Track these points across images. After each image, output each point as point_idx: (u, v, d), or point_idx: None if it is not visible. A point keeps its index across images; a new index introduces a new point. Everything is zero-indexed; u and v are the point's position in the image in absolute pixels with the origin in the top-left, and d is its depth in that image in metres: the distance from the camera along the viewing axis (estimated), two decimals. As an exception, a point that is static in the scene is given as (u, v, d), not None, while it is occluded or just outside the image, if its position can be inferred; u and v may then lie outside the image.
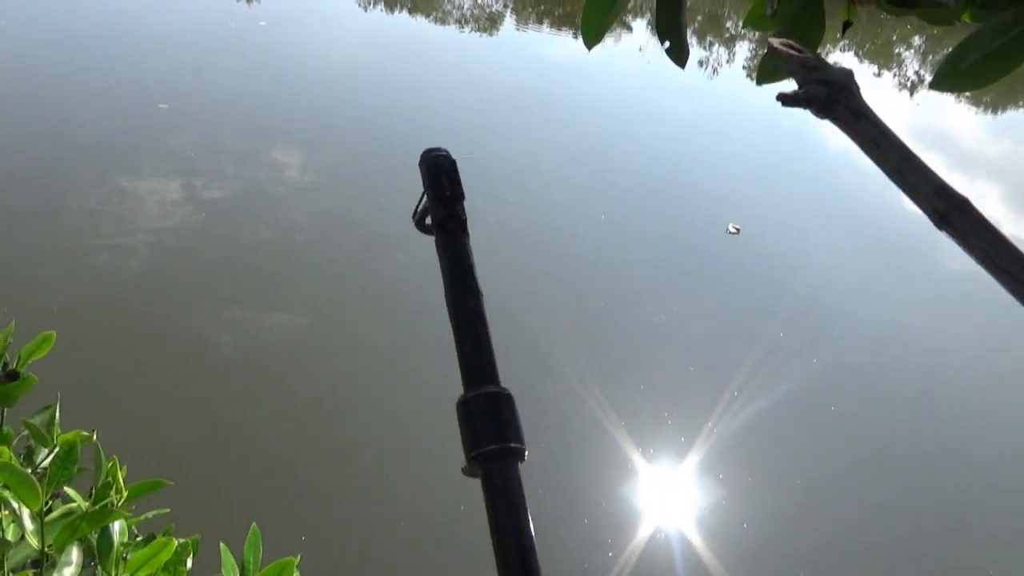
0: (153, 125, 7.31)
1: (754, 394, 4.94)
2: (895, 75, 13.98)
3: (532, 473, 4.13)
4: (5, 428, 1.36)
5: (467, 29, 12.88)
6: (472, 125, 8.61)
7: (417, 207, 0.73)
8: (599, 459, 4.36)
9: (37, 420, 1.35)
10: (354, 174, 7.11)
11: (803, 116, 9.82)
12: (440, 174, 0.72)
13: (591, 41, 0.81)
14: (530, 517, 0.60)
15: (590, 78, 10.99)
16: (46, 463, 1.34)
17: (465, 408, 0.64)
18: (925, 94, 13.07)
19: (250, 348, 4.70)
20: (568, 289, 5.84)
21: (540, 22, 13.84)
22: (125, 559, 1.15)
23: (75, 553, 1.18)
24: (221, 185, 6.51)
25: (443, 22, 13.15)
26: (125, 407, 4.05)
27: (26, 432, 1.37)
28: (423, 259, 5.86)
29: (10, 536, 1.12)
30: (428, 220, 0.73)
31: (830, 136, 10.07)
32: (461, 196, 0.71)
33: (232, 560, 1.32)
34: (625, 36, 13.50)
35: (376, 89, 9.30)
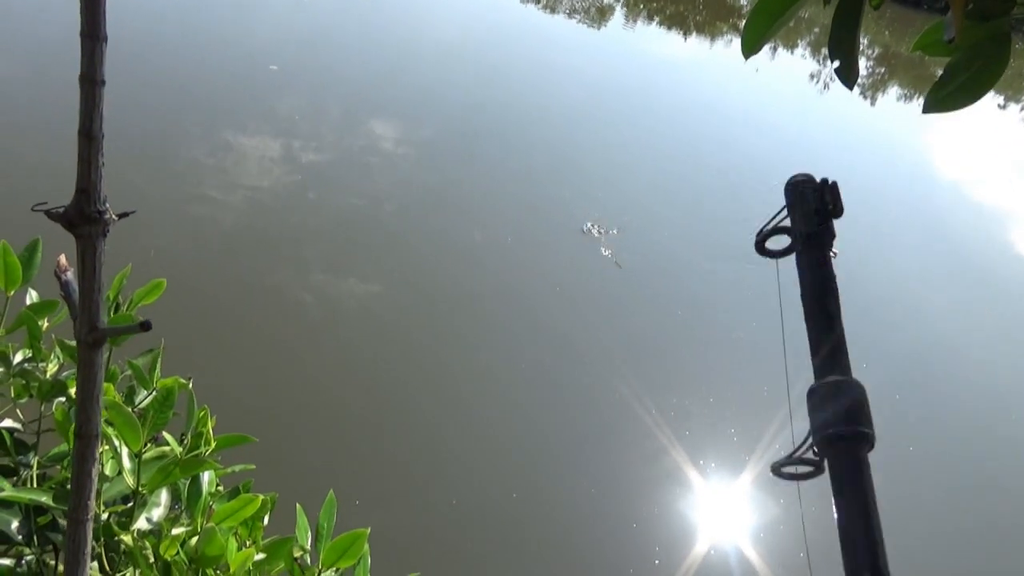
0: (262, 85, 7.54)
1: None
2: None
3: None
4: (111, 367, 1.42)
5: (575, 19, 12.78)
6: (569, 118, 8.55)
7: (763, 227, 0.76)
8: (656, 462, 4.30)
9: (141, 362, 1.40)
10: (446, 151, 7.17)
11: (913, 141, 9.35)
12: (821, 190, 0.75)
13: (750, 50, 0.77)
14: (876, 503, 0.61)
15: (694, 90, 10.75)
16: (144, 404, 1.39)
17: (816, 394, 0.67)
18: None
19: (333, 311, 4.81)
20: (649, 294, 5.74)
21: (650, 18, 13.62)
22: (212, 509, 1.18)
23: (164, 496, 1.22)
24: (319, 149, 6.67)
25: (552, 10, 13.08)
26: (212, 358, 4.20)
27: (128, 372, 1.43)
28: (498, 239, 5.87)
29: (108, 471, 1.16)
30: (772, 244, 0.76)
31: (939, 163, 9.59)
32: (840, 212, 0.74)
33: (306, 523, 1.35)
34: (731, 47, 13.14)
35: (476, 70, 9.35)
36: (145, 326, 0.70)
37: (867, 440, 0.64)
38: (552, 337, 5.02)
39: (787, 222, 0.76)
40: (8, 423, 1.37)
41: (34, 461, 1.33)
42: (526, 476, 4.03)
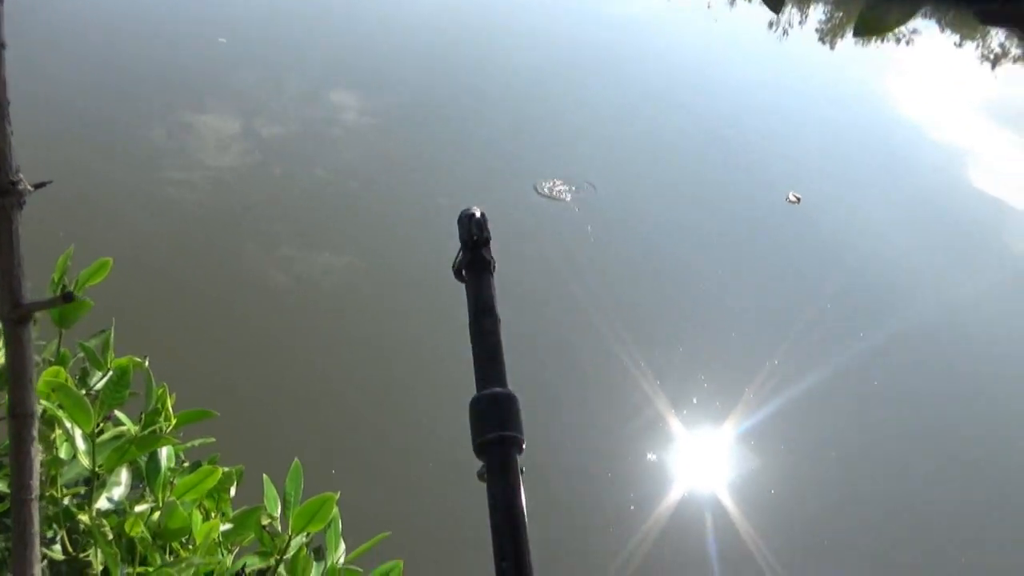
0: (215, 60, 7.37)
1: (794, 364, 4.85)
2: (978, 46, 13.23)
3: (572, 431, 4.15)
4: (62, 350, 1.39)
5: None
6: (529, 80, 8.46)
7: (455, 260, 0.88)
8: (633, 412, 4.35)
9: (93, 344, 1.38)
10: (409, 119, 7.07)
11: (873, 86, 9.38)
12: (470, 223, 0.87)
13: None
14: (524, 501, 0.69)
15: (652, 36, 10.68)
16: (99, 386, 1.37)
17: (474, 406, 0.75)
18: (1009, 67, 12.37)
19: (299, 284, 4.78)
20: (618, 251, 5.75)
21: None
22: (172, 484, 1.17)
23: (124, 474, 1.21)
24: (280, 123, 6.55)
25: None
26: (176, 337, 4.16)
27: (82, 355, 1.41)
28: (464, 204, 5.83)
29: (63, 454, 1.15)
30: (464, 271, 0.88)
31: (901, 106, 9.65)
32: (486, 240, 0.86)
33: (274, 492, 1.35)
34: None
35: (434, 36, 9.19)
36: (67, 297, 0.69)
37: (515, 443, 0.73)
38: (523, 296, 5.03)
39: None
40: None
41: (-10, 450, 1.31)
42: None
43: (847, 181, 7.41)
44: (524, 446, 0.73)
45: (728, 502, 3.96)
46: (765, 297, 5.54)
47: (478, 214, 0.89)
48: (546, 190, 6.13)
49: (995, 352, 5.55)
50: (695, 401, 4.50)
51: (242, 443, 3.20)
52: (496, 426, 0.73)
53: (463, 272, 0.87)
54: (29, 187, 0.71)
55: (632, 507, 3.86)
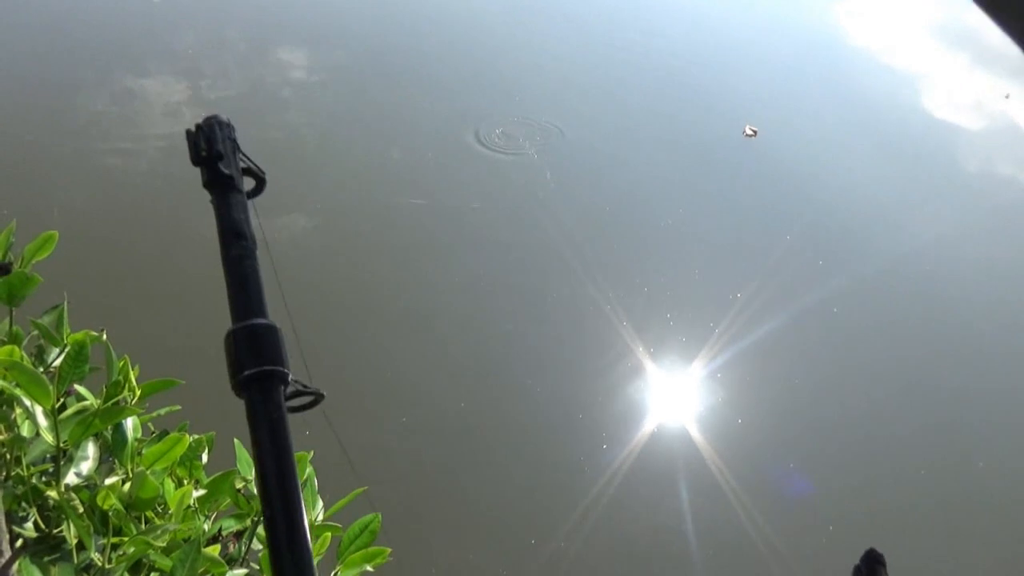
0: (151, 21, 7.08)
1: (759, 299, 4.94)
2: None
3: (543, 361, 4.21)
4: (15, 328, 1.36)
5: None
6: (478, 25, 8.28)
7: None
8: (601, 353, 4.42)
9: (46, 320, 1.35)
10: (361, 74, 6.90)
11: (824, 15, 9.38)
12: (197, 136, 0.76)
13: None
14: (292, 443, 0.63)
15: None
16: (57, 362, 1.35)
17: (230, 340, 0.69)
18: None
19: (264, 248, 4.70)
20: (574, 189, 5.74)
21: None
22: (140, 454, 1.17)
23: (91, 448, 1.20)
24: (227, 86, 6.36)
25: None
26: (134, 308, 4.09)
27: (36, 332, 1.38)
28: (423, 157, 5.77)
29: (25, 432, 1.14)
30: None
31: (852, 34, 9.67)
32: (219, 155, 0.76)
33: (246, 454, 1.35)
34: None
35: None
36: (3, 269, 0.67)
37: (280, 378, 0.67)
38: (489, 243, 5.03)
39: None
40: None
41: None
42: (476, 383, 4.12)
43: (802, 112, 7.45)
44: (291, 380, 0.67)
45: (696, 433, 4.08)
46: (724, 233, 5.60)
47: (206, 126, 0.77)
48: (497, 136, 6.07)
49: (957, 277, 5.71)
50: (662, 339, 4.59)
51: (211, 409, 3.19)
52: (255, 360, 0.66)
53: (210, 191, 0.78)
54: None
55: (604, 445, 3.95)
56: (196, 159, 0.76)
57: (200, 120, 0.78)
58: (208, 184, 0.77)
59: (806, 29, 9.64)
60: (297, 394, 0.69)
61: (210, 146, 0.76)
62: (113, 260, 4.36)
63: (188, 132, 0.77)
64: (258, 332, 0.69)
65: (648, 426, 4.08)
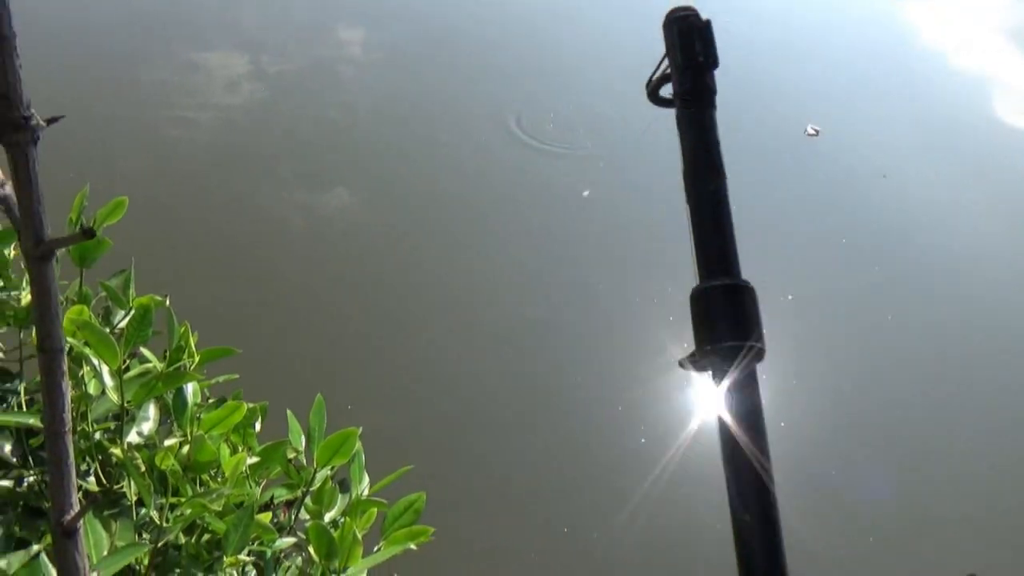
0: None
1: (810, 302, 4.85)
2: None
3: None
4: (84, 289, 1.41)
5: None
6: (544, 9, 8.22)
7: (652, 75, 0.65)
8: (645, 346, 4.39)
9: (113, 283, 1.39)
10: (417, 53, 6.92)
11: (894, 13, 9.04)
12: (691, 37, 0.62)
13: None
14: (765, 421, 0.56)
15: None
16: (122, 324, 1.39)
17: (702, 300, 0.59)
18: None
19: (314, 222, 4.78)
20: (624, 179, 5.69)
21: None
22: (199, 419, 1.20)
23: (152, 410, 1.24)
24: (287, 61, 6.44)
25: None
26: (194, 277, 4.20)
27: (103, 294, 1.42)
28: (479, 138, 5.77)
29: (92, 390, 1.17)
30: (664, 90, 0.65)
31: (920, 34, 9.34)
32: (715, 63, 0.63)
33: (298, 426, 1.38)
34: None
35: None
36: (88, 233, 0.69)
37: (758, 353, 0.58)
38: (538, 235, 5.02)
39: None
40: (-11, 353, 1.37)
41: (20, 387, 1.34)
42: (514, 367, 4.13)
43: (867, 112, 7.23)
44: (764, 354, 0.58)
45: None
46: (778, 233, 5.49)
47: (703, 22, 0.63)
48: (551, 124, 6.03)
49: (1014, 283, 5.52)
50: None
51: (263, 380, 3.26)
52: (732, 330, 0.57)
53: (675, 102, 0.63)
54: (42, 122, 0.70)
55: (642, 440, 3.93)
56: (684, 63, 0.61)
57: (676, 9, 0.63)
58: (687, 93, 0.62)
59: (872, 25, 9.33)
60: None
61: (708, 50, 0.62)
62: (172, 228, 4.47)
63: (672, 24, 0.62)
64: (736, 294, 0.58)
65: (689, 422, 4.04)
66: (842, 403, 4.35)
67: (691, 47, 0.62)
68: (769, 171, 6.11)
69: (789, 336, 4.58)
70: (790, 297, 4.83)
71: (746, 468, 0.54)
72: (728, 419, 0.56)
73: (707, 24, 0.63)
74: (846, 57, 8.29)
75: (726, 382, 0.57)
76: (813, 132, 6.33)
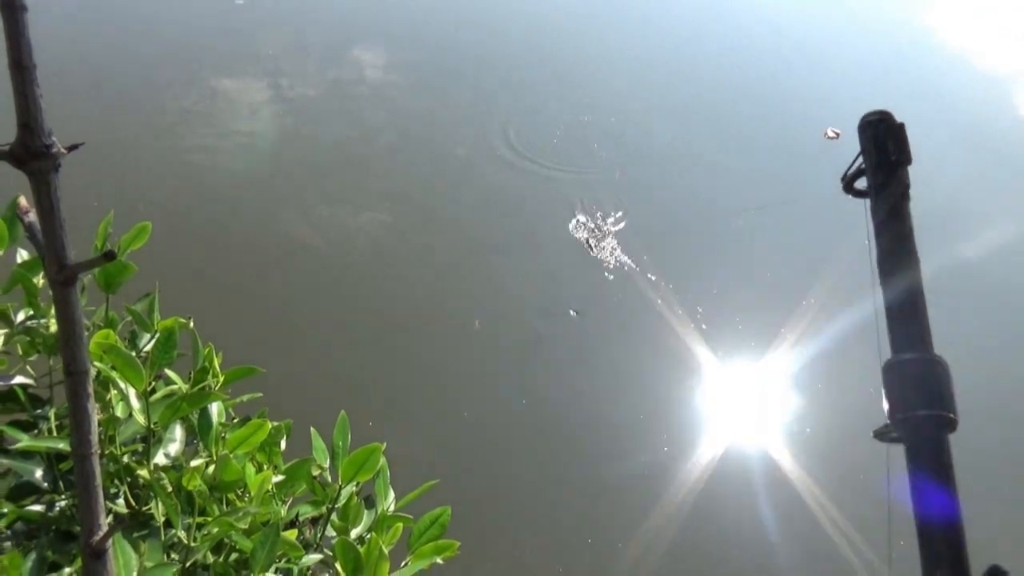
0: (235, 23, 7.32)
1: (827, 304, 4.80)
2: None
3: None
4: (110, 313, 1.43)
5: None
6: (555, 29, 8.26)
7: (848, 171, 0.73)
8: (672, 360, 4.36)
9: (139, 307, 1.41)
10: (434, 74, 6.98)
11: (913, 14, 8.96)
12: (886, 137, 0.69)
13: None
14: (957, 490, 0.58)
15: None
16: (148, 347, 1.41)
17: (895, 370, 0.64)
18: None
19: (334, 242, 4.82)
20: (647, 186, 5.68)
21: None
22: (224, 438, 1.21)
23: (178, 431, 1.25)
24: (306, 85, 6.52)
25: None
26: (217, 299, 4.25)
27: (129, 318, 1.44)
28: (498, 158, 5.79)
29: (119, 413, 1.19)
30: (859, 184, 0.73)
31: (942, 36, 9.23)
32: (908, 161, 0.69)
33: (322, 444, 1.38)
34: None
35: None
36: (109, 256, 0.70)
37: (949, 424, 0.61)
38: (553, 239, 5.03)
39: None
40: (20, 379, 1.39)
41: (51, 413, 1.36)
42: (536, 382, 4.13)
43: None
44: (957, 425, 0.60)
45: (762, 439, 3.98)
46: (797, 236, 5.44)
47: (897, 123, 0.69)
48: (570, 135, 6.04)
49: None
50: (734, 332, 4.52)
51: (286, 399, 3.28)
52: (926, 401, 0.61)
53: (870, 195, 0.69)
54: (63, 150, 0.71)
55: (665, 448, 3.88)
56: (879, 161, 0.69)
57: (873, 113, 0.71)
58: (881, 187, 0.68)
59: (895, 28, 9.26)
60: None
61: (901, 148, 0.68)
62: (196, 252, 4.53)
63: (867, 126, 0.70)
64: (929, 368, 0.63)
65: (712, 431, 4.00)
66: (867, 402, 4.29)
67: (885, 147, 0.69)
68: (789, 170, 6.07)
69: (805, 338, 4.54)
70: (811, 301, 4.79)
71: (938, 528, 0.57)
72: (920, 485, 0.59)
73: (901, 126, 0.70)
74: (867, 60, 8.22)
75: (923, 453, 0.61)
76: (833, 135, 6.27)
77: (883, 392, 0.64)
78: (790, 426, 4.12)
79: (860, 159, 0.72)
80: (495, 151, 5.87)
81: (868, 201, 0.70)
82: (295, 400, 3.46)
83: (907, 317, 0.65)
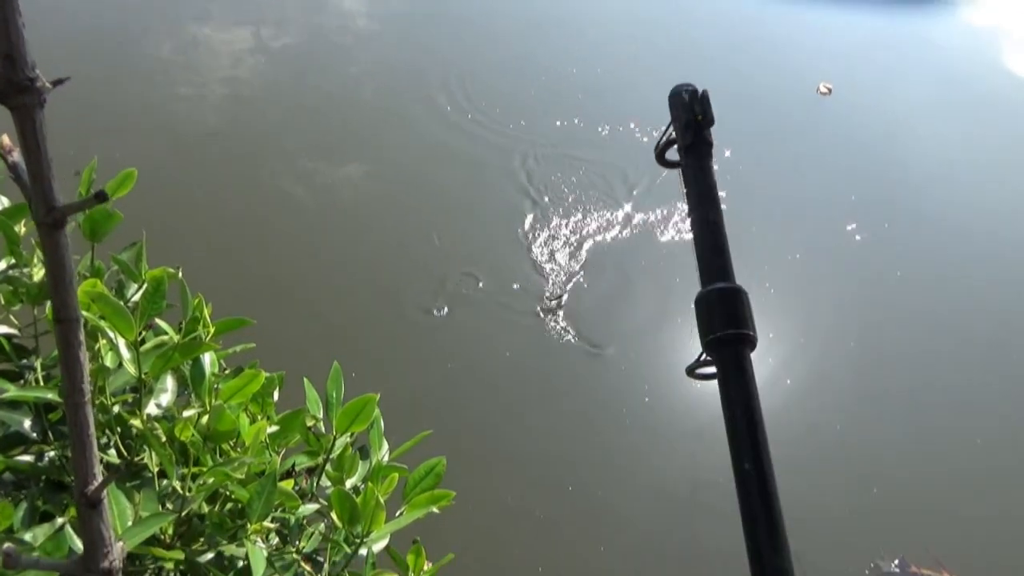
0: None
1: (813, 256, 4.83)
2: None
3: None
4: (96, 263, 1.40)
5: None
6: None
7: (660, 141, 0.82)
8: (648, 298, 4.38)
9: (125, 256, 1.38)
10: (418, 23, 6.82)
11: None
12: (691, 102, 0.79)
13: None
14: (759, 400, 0.68)
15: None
16: (136, 298, 1.38)
17: (702, 302, 0.74)
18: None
19: (320, 194, 4.77)
20: (636, 141, 5.63)
21: None
22: (217, 389, 1.19)
23: (170, 381, 1.23)
24: (290, 35, 6.36)
25: None
26: (202, 251, 4.20)
27: (115, 268, 1.41)
28: (481, 107, 5.71)
29: (109, 363, 1.17)
30: (669, 154, 0.83)
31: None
32: (711, 122, 0.79)
33: (315, 394, 1.37)
34: None
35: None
36: (100, 196, 0.67)
37: (749, 341, 0.72)
38: (545, 192, 4.99)
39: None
40: (4, 329, 1.36)
41: (37, 364, 1.34)
42: (523, 330, 4.14)
43: (878, 68, 7.11)
44: (756, 343, 0.71)
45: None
46: (794, 190, 5.44)
47: (700, 91, 0.80)
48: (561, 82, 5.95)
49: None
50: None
51: (276, 351, 3.27)
52: (726, 323, 0.71)
53: (680, 155, 0.80)
54: (48, 84, 0.68)
55: (646, 399, 3.92)
56: (691, 121, 0.79)
57: (680, 85, 0.82)
58: (689, 147, 0.79)
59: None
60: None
61: (705, 111, 0.79)
62: (179, 203, 4.45)
63: (675, 96, 0.81)
64: (728, 295, 0.73)
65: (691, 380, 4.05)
66: (849, 361, 4.35)
67: (691, 110, 0.79)
68: (780, 127, 6.03)
69: (793, 295, 4.58)
70: (797, 256, 4.82)
71: (743, 427, 0.67)
72: (728, 393, 0.70)
73: (705, 92, 0.80)
74: (857, 16, 8.14)
75: (727, 365, 0.71)
76: (825, 90, 6.23)
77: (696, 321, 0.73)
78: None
79: (671, 129, 0.82)
80: (478, 101, 5.78)
81: (680, 170, 0.81)
82: (283, 352, 3.44)
83: (713, 254, 0.75)
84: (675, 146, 0.82)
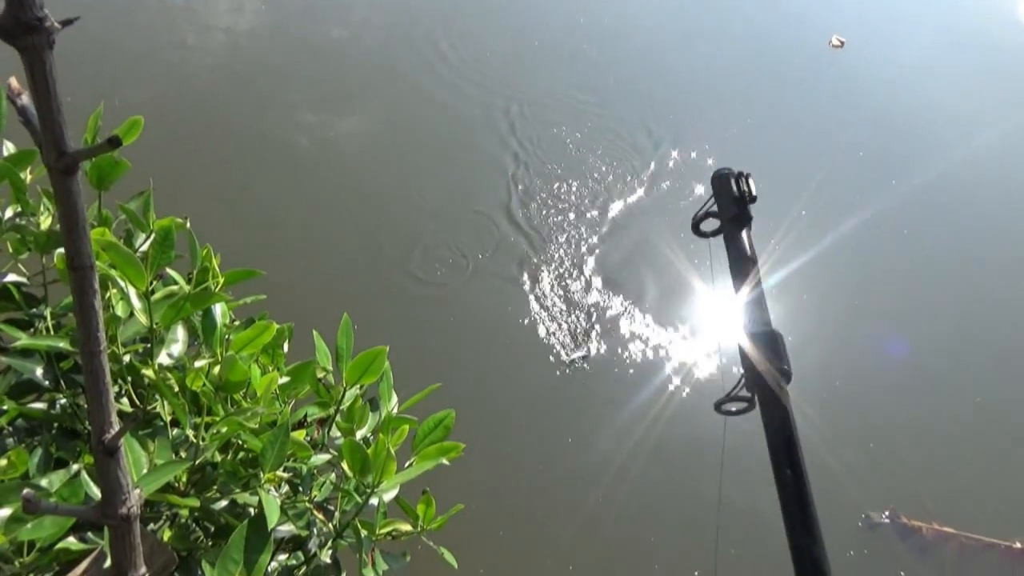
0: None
1: (822, 216, 4.79)
2: None
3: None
4: (104, 211, 1.38)
5: None
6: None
7: (697, 214, 0.98)
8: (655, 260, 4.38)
9: (133, 205, 1.36)
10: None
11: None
12: (737, 182, 0.97)
13: None
14: (796, 427, 0.84)
15: None
16: (144, 247, 1.37)
17: (748, 343, 0.89)
18: None
19: (322, 144, 4.72)
20: (648, 94, 5.55)
21: None
22: (228, 340, 1.19)
23: (181, 331, 1.23)
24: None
25: None
26: (207, 202, 4.17)
27: (122, 217, 1.39)
28: (482, 60, 5.61)
29: (120, 312, 1.16)
30: (704, 226, 1.00)
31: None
32: (754, 199, 0.96)
33: (325, 347, 1.37)
34: None
35: None
36: (113, 142, 0.65)
37: (785, 373, 0.87)
38: (541, 148, 4.94)
39: (715, 208, 0.99)
40: (13, 277, 1.35)
41: (47, 312, 1.33)
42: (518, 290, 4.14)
43: (892, 20, 6.96)
44: (791, 376, 0.86)
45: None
46: (803, 142, 5.38)
47: (745, 172, 0.96)
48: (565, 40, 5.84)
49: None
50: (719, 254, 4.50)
51: (282, 303, 3.27)
52: (768, 359, 0.86)
53: (723, 223, 0.96)
54: (57, 24, 0.66)
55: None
56: (739, 199, 0.95)
57: (722, 169, 1.01)
58: (734, 219, 0.96)
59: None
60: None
61: (750, 190, 0.96)
62: (183, 154, 4.40)
63: (721, 176, 0.98)
64: (769, 337, 0.89)
65: (694, 341, 4.06)
66: (849, 314, 4.35)
67: (737, 187, 0.97)
68: (790, 78, 5.93)
69: (796, 250, 4.56)
70: (803, 212, 4.79)
71: (782, 447, 0.84)
72: (769, 419, 0.86)
73: (748, 175, 0.97)
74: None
75: (768, 396, 0.89)
76: (838, 43, 6.10)
77: (740, 357, 0.90)
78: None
79: (711, 203, 0.98)
80: (476, 53, 5.67)
81: (710, 240, 1.00)
82: (289, 303, 3.45)
83: (756, 305, 0.92)
84: (710, 218, 0.98)
